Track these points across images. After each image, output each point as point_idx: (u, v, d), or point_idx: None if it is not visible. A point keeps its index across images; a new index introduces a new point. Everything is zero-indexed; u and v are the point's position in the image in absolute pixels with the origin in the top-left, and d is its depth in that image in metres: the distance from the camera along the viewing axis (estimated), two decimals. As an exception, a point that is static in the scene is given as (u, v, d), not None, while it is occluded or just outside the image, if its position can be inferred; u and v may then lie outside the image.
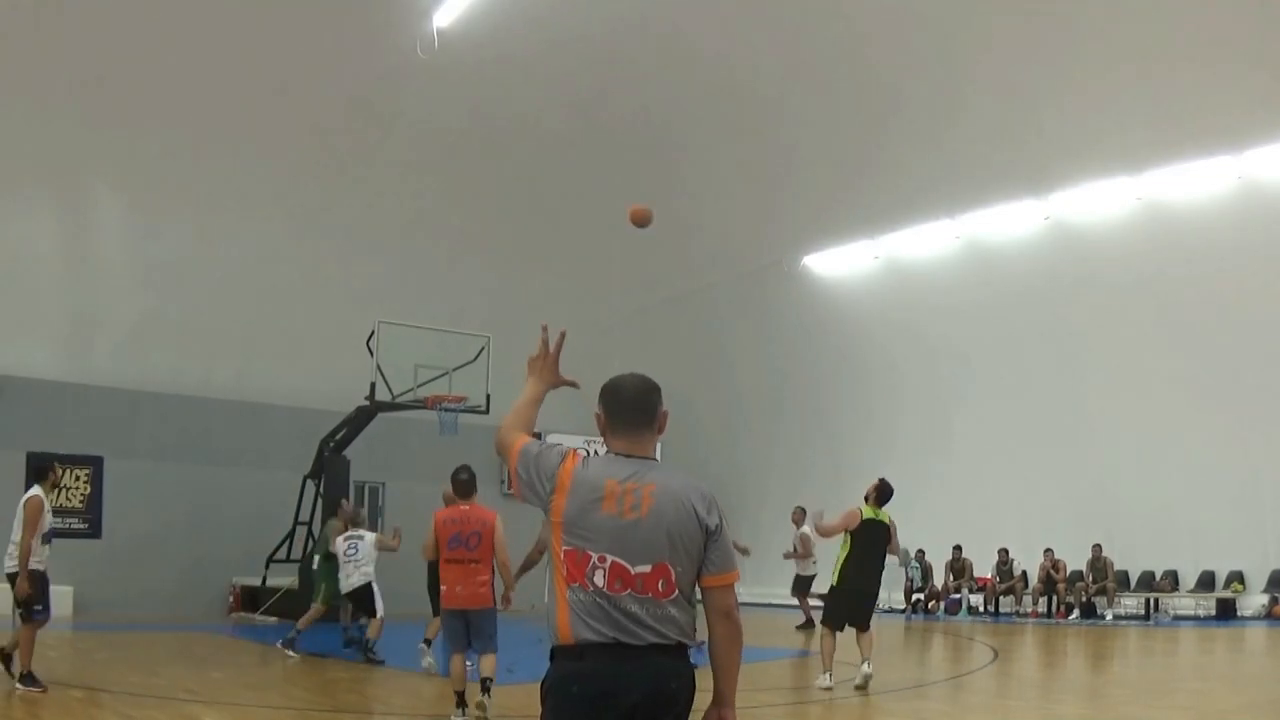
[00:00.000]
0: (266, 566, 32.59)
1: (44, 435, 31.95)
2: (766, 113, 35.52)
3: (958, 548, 35.79)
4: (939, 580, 36.69)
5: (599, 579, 5.31)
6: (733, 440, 42.07)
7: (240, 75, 32.67)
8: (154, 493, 33.13)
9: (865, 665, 17.57)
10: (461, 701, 14.36)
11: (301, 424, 34.00)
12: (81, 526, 32.40)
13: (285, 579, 31.82)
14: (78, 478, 32.51)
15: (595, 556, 5.32)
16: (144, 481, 32.72)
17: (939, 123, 33.34)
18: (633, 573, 5.31)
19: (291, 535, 32.33)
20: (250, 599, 33.34)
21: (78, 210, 33.99)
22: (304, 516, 32.31)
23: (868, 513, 18.00)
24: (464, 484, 15.05)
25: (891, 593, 35.39)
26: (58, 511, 31.92)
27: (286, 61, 32.74)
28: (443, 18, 32.39)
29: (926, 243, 37.34)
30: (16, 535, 16.13)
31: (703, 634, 5.47)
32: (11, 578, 16.22)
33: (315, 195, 35.49)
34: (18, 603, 16.14)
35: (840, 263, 39.60)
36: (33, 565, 16.04)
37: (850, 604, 18.04)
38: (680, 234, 37.82)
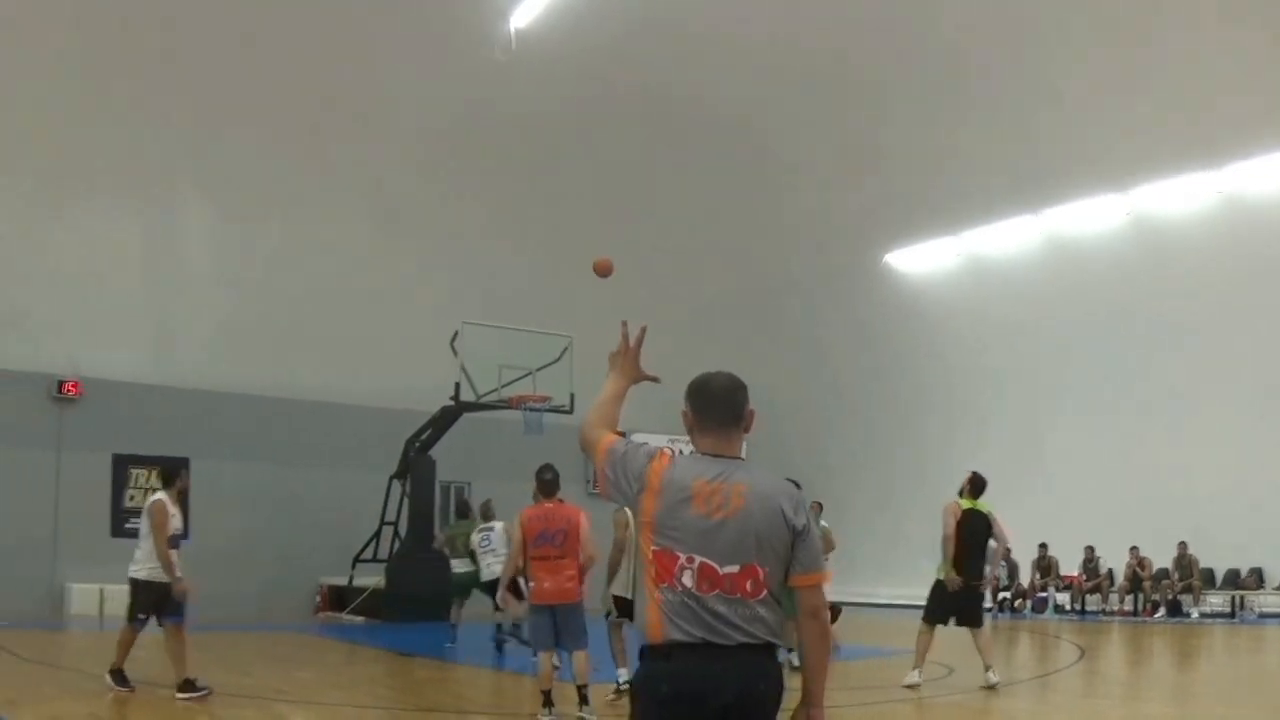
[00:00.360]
0: (353, 566, 32.75)
1: (130, 437, 32.29)
2: (851, 110, 35.43)
3: (1043, 546, 35.62)
4: (1025, 578, 36.54)
5: (688, 579, 5.29)
6: (821, 439, 41.90)
7: (323, 80, 32.86)
8: (241, 494, 33.29)
9: (991, 674, 17.45)
10: (548, 701, 14.34)
11: (387, 424, 34.11)
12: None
13: (372, 579, 31.94)
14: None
15: (684, 557, 5.30)
16: (231, 483, 32.86)
17: (1020, 118, 33.19)
18: (721, 573, 5.28)
19: (378, 535, 32.48)
20: (337, 599, 33.49)
21: (163, 215, 34.21)
22: (390, 516, 32.46)
23: (965, 504, 17.88)
24: (548, 483, 15.16)
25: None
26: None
27: (370, 66, 32.96)
28: (520, 18, 32.43)
29: (1008, 239, 37.20)
30: (143, 541, 16.12)
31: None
32: (136, 583, 16.17)
33: (399, 197, 35.64)
34: (138, 606, 16.15)
35: (922, 260, 39.50)
36: (145, 574, 16.05)
37: (956, 598, 17.92)
38: (764, 231, 37.86)
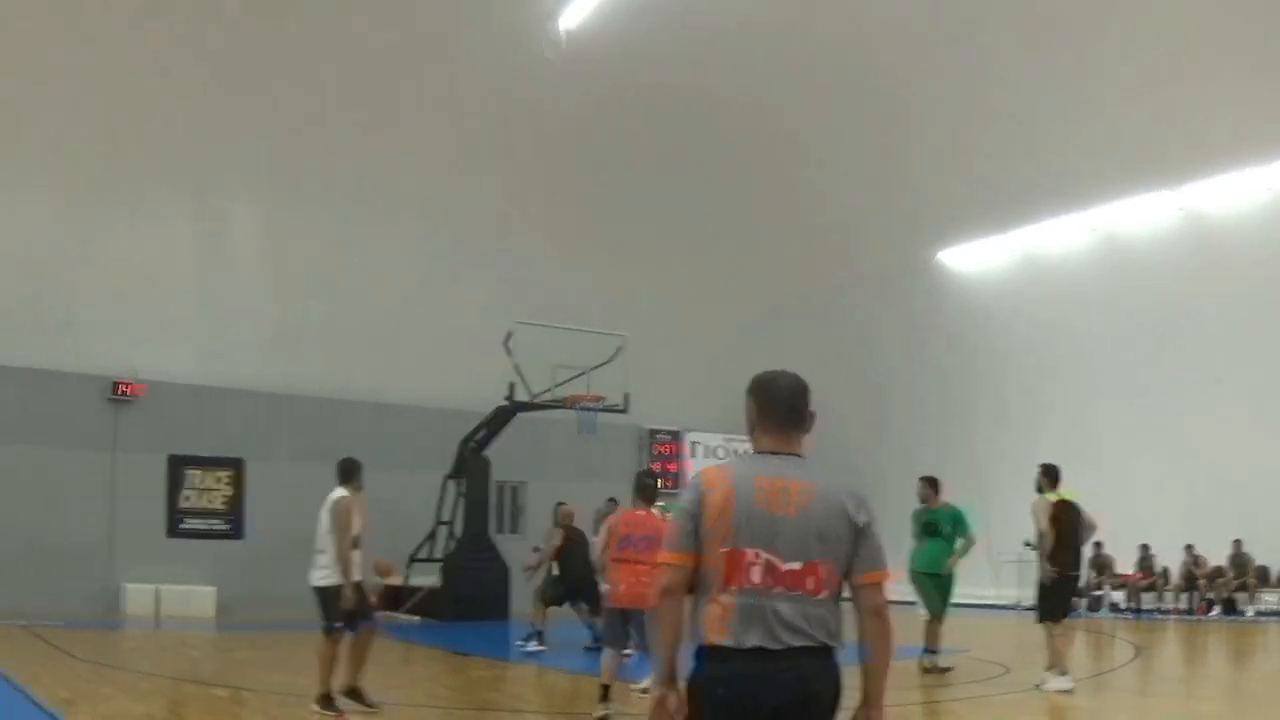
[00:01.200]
0: (408, 566, 32.78)
1: (186, 439, 32.47)
2: (901, 105, 35.31)
3: (1098, 544, 35.42)
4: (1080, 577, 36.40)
5: (756, 575, 5.32)
6: (875, 437, 41.68)
7: (373, 79, 32.91)
8: (295, 494, 33.10)
9: (1049, 675, 17.25)
10: (606, 695, 14.47)
11: (442, 425, 34.14)
12: (224, 528, 32.76)
13: (427, 578, 31.99)
14: (219, 480, 32.84)
15: (751, 553, 5.33)
16: (285, 483, 32.85)
17: (1070, 113, 33.02)
18: (783, 569, 5.33)
19: (433, 535, 32.53)
20: (393, 598, 33.54)
21: (216, 217, 34.31)
22: (445, 516, 32.52)
23: (1053, 496, 17.76)
24: (648, 488, 15.43)
25: (1031, 589, 35.12)
26: (200, 513, 32.62)
27: (422, 68, 32.99)
28: (570, 19, 32.42)
29: (1059, 236, 37.02)
30: (323, 544, 15.21)
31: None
32: (321, 590, 15.22)
33: (450, 198, 35.62)
34: (332, 614, 15.03)
35: (975, 258, 39.36)
36: (337, 578, 14.94)
37: (1066, 591, 17.85)
38: (816, 230, 37.80)
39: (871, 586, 5.49)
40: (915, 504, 20.73)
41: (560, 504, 25.29)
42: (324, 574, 15.06)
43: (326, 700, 14.76)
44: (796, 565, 5.33)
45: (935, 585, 19.81)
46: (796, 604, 5.32)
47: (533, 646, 22.94)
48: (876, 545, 5.52)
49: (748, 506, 5.37)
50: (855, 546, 5.45)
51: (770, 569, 5.32)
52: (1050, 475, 18.03)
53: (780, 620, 5.29)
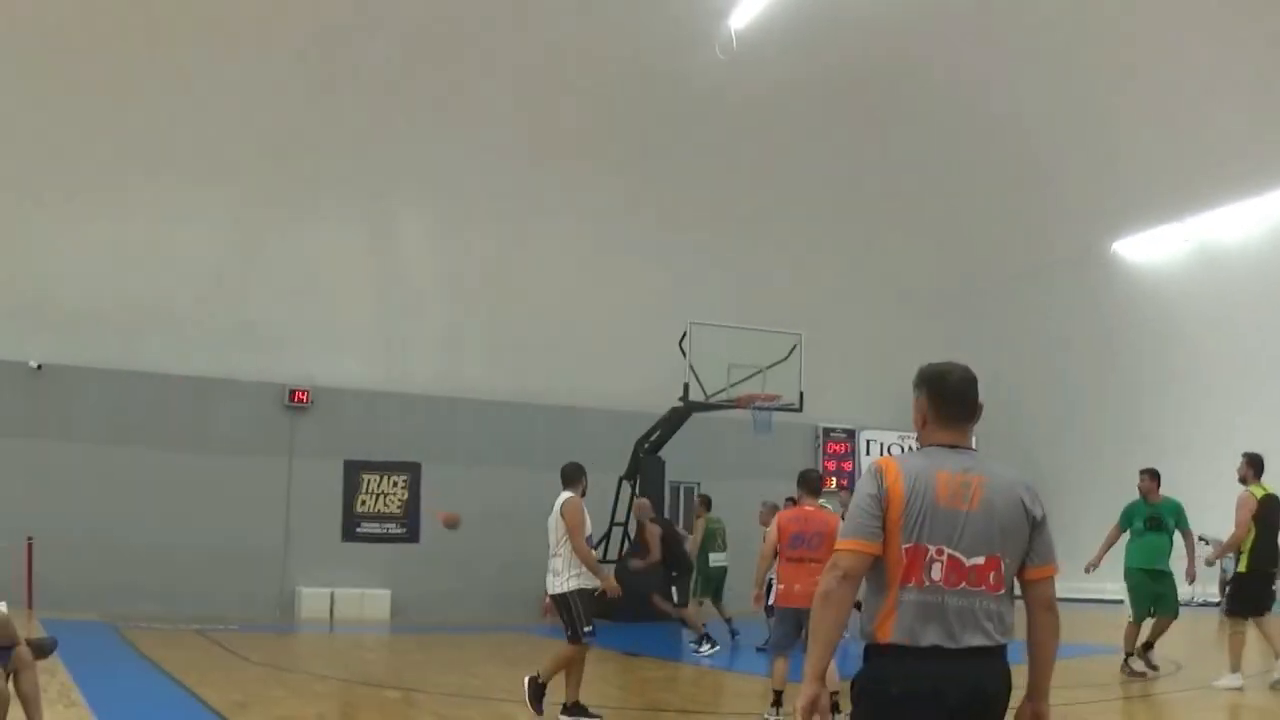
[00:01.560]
0: (579, 567, 32.77)
1: (359, 444, 32.70)
2: (1081, 91, 34.76)
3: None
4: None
5: (936, 572, 5.25)
6: (1058, 430, 41.11)
7: (536, 78, 33.00)
8: (470, 497, 33.32)
9: None
10: (778, 700, 14.32)
11: (616, 426, 34.08)
12: (400, 532, 32.92)
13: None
14: (395, 484, 32.99)
15: (934, 549, 5.26)
16: (460, 486, 32.96)
17: (1253, 95, 32.34)
18: (966, 565, 5.27)
19: (608, 536, 32.48)
20: (565, 601, 33.53)
21: (387, 224, 34.60)
22: (620, 518, 32.47)
23: (1257, 491, 17.34)
24: (813, 483, 15.32)
25: (1206, 585, 34.46)
26: (375, 518, 32.81)
27: (582, 61, 32.96)
28: (738, 19, 32.21)
29: (1235, 224, 36.18)
30: (559, 549, 14.89)
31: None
32: (560, 598, 14.88)
33: (620, 197, 35.57)
34: (580, 618, 14.62)
35: (1151, 248, 38.64)
36: (578, 582, 14.66)
37: (1260, 588, 17.45)
38: (992, 220, 37.37)
39: (1045, 581, 5.48)
40: (1098, 495, 20.26)
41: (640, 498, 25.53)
42: (560, 580, 14.81)
43: (577, 709, 14.59)
44: (980, 560, 5.28)
45: (1155, 582, 18.93)
46: (977, 600, 5.26)
47: (706, 649, 22.81)
48: (1050, 538, 5.49)
49: (930, 502, 5.29)
50: (1031, 540, 5.41)
51: (954, 566, 5.26)
52: (1255, 465, 17.60)
53: (960, 618, 5.23)
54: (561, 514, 14.90)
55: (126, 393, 31.13)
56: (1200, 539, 20.63)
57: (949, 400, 5.57)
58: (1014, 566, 5.37)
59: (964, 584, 5.23)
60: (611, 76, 33.48)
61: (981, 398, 5.55)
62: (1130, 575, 19.09)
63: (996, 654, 5.28)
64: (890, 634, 5.22)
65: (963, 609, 5.22)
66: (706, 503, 26.84)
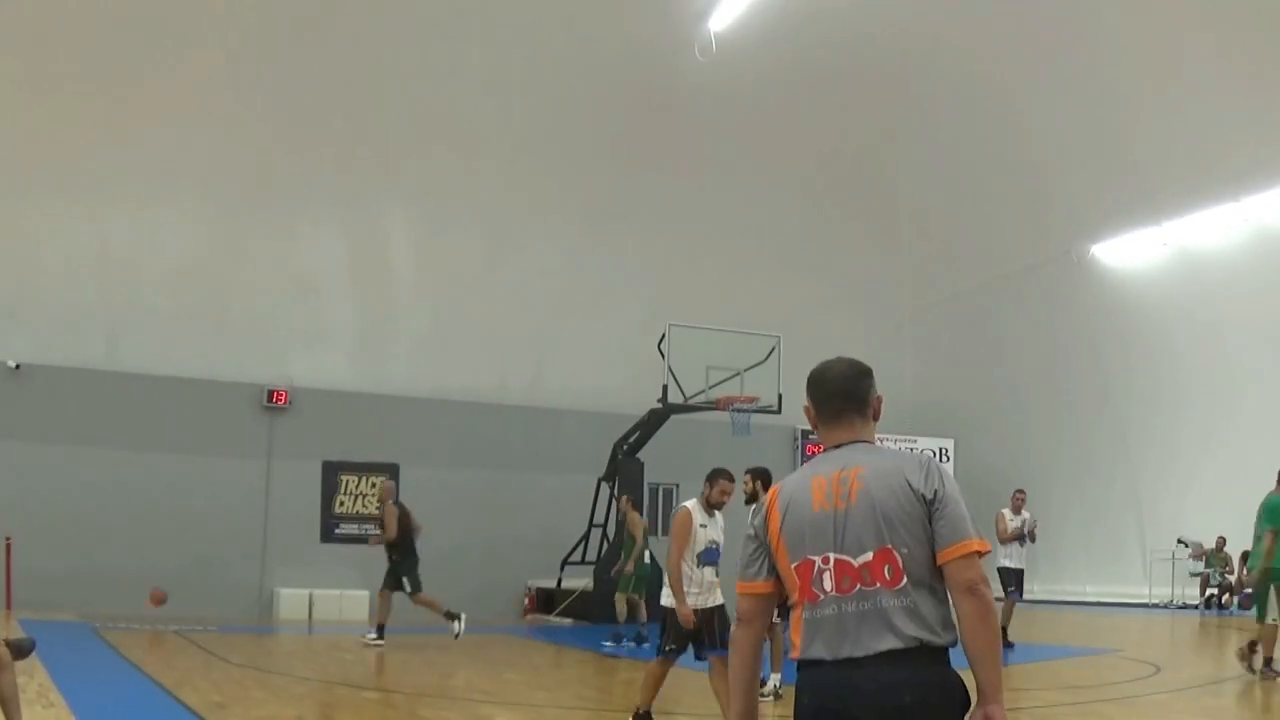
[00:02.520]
0: (561, 569, 32.81)
1: (338, 445, 32.78)
2: (1059, 97, 34.84)
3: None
4: (1233, 575, 35.76)
5: (827, 582, 4.91)
6: (1036, 433, 41.14)
7: (515, 82, 33.06)
8: (450, 498, 33.46)
9: None
10: None
11: (595, 428, 34.16)
12: (378, 533, 32.98)
13: (580, 581, 32.01)
14: (374, 485, 33.00)
15: (819, 559, 4.94)
16: (440, 488, 33.08)
17: (1226, 101, 32.40)
18: (856, 565, 4.89)
19: (586, 538, 32.54)
20: (545, 601, 33.60)
21: (368, 225, 34.63)
22: (598, 519, 32.51)
23: None
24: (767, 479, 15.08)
25: (1185, 588, 34.59)
26: (353, 519, 32.87)
27: (570, 66, 33.06)
28: (718, 22, 32.24)
29: (1214, 229, 36.20)
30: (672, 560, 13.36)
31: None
32: (665, 610, 13.60)
33: (601, 200, 35.69)
34: (669, 633, 13.41)
35: (1129, 252, 38.67)
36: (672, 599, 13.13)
37: None
38: (970, 223, 37.47)
39: (957, 562, 4.83)
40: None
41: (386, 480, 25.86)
42: (665, 592, 13.46)
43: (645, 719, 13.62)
44: (868, 557, 4.87)
45: None
46: (878, 599, 4.84)
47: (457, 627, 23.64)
48: (956, 513, 4.87)
49: (806, 512, 5.00)
50: (931, 521, 4.87)
51: (843, 569, 4.90)
52: None
53: (862, 623, 4.84)
54: (675, 521, 13.55)
55: (105, 393, 31.08)
56: (1179, 542, 20.69)
57: (828, 396, 5.24)
58: (920, 555, 4.84)
59: (859, 585, 4.86)
60: (591, 80, 33.56)
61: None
62: (1272, 576, 17.24)
63: (914, 657, 4.79)
64: (800, 651, 4.98)
65: (865, 613, 4.84)
66: (635, 503, 27.35)
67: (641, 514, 27.89)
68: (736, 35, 32.18)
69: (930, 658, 4.82)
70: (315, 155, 32.38)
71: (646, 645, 23.56)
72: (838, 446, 5.18)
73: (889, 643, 4.78)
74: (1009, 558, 23.34)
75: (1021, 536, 23.44)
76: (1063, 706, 15.35)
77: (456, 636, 23.45)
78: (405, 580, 24.82)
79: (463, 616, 23.63)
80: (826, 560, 4.92)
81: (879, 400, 5.31)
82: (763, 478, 15.48)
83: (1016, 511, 23.70)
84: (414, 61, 32.05)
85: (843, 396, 5.24)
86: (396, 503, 25.44)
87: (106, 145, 30.42)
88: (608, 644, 24.33)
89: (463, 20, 31.77)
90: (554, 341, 35.91)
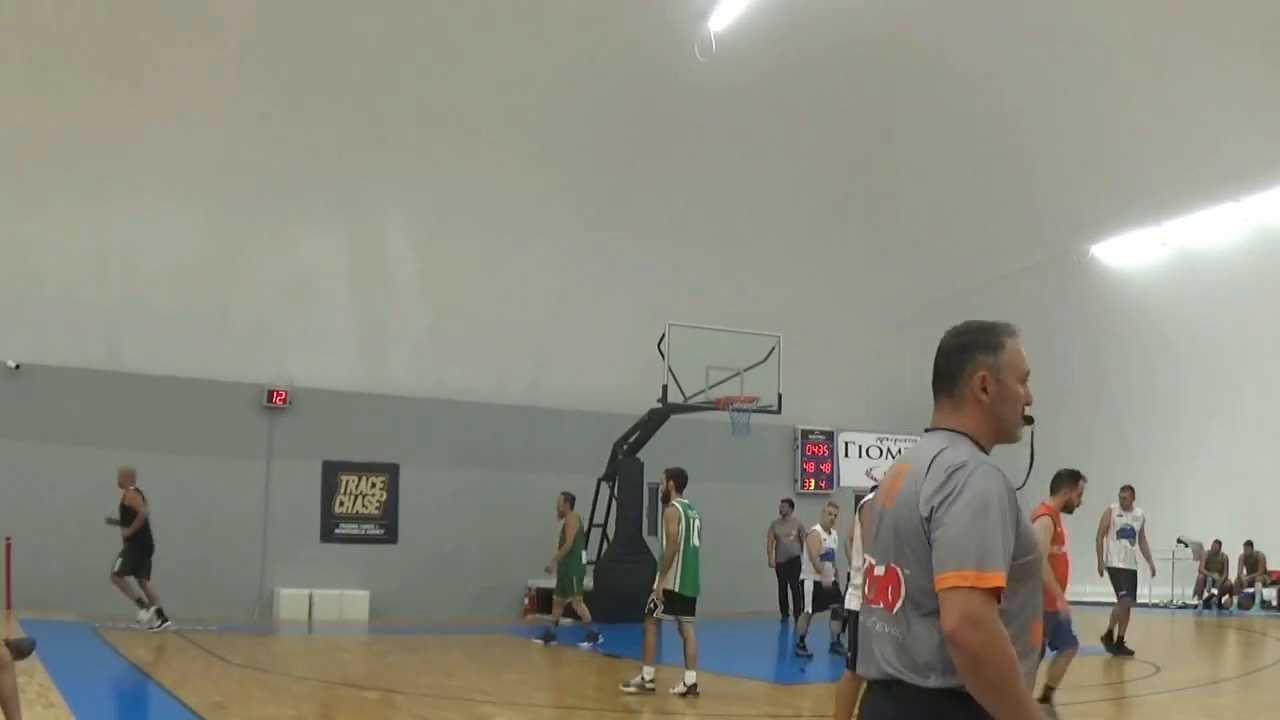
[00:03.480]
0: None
1: (337, 445, 32.74)
2: (1058, 97, 34.81)
3: (1249, 543, 34.76)
4: (1232, 574, 35.77)
5: (868, 589, 4.37)
6: (1035, 432, 40.96)
7: (522, 82, 32.99)
8: (449, 498, 33.49)
9: None
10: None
11: (595, 427, 34.20)
12: (378, 533, 32.98)
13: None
14: (374, 485, 33.03)
15: (871, 560, 4.38)
16: (439, 487, 33.12)
17: (1226, 100, 32.39)
18: (876, 574, 4.31)
19: (586, 537, 32.53)
20: (545, 601, 33.57)
21: (369, 225, 34.57)
22: (598, 519, 32.49)
23: None
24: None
25: (1184, 588, 34.60)
26: (353, 518, 32.89)
27: (570, 66, 33.00)
28: (718, 22, 32.20)
29: (1214, 228, 36.20)
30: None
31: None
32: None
33: (601, 200, 35.63)
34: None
35: (1128, 252, 38.66)
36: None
37: None
38: (970, 223, 37.42)
39: (940, 595, 3.98)
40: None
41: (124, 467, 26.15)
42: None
43: None
44: (881, 570, 4.28)
45: None
46: (877, 620, 4.26)
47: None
48: (947, 538, 4.01)
49: (878, 507, 4.38)
50: (929, 540, 4.08)
51: (872, 578, 4.34)
52: None
53: (869, 642, 4.28)
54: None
55: (105, 393, 31.00)
56: (1179, 542, 20.70)
57: (933, 373, 4.53)
58: (921, 579, 4.09)
59: (874, 600, 4.29)
60: (590, 81, 33.48)
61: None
62: None
63: (895, 693, 4.14)
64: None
65: (870, 632, 4.28)
66: (570, 500, 27.63)
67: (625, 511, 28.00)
68: (736, 35, 32.11)
69: (914, 698, 4.11)
70: (315, 156, 32.29)
71: (602, 640, 23.88)
72: (927, 431, 4.48)
73: (874, 671, 4.25)
74: (1118, 558, 23.09)
75: (1131, 534, 23.17)
76: (1062, 706, 15.36)
77: (149, 628, 24.11)
78: (120, 559, 24.99)
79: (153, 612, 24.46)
80: (871, 566, 4.36)
81: (980, 377, 4.49)
82: (676, 478, 15.67)
83: (1126, 508, 23.42)
84: (415, 62, 31.98)
85: (935, 374, 4.55)
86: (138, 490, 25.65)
87: (106, 146, 30.34)
88: (584, 644, 24.71)
89: (464, 20, 31.72)
90: (554, 341, 35.84)
